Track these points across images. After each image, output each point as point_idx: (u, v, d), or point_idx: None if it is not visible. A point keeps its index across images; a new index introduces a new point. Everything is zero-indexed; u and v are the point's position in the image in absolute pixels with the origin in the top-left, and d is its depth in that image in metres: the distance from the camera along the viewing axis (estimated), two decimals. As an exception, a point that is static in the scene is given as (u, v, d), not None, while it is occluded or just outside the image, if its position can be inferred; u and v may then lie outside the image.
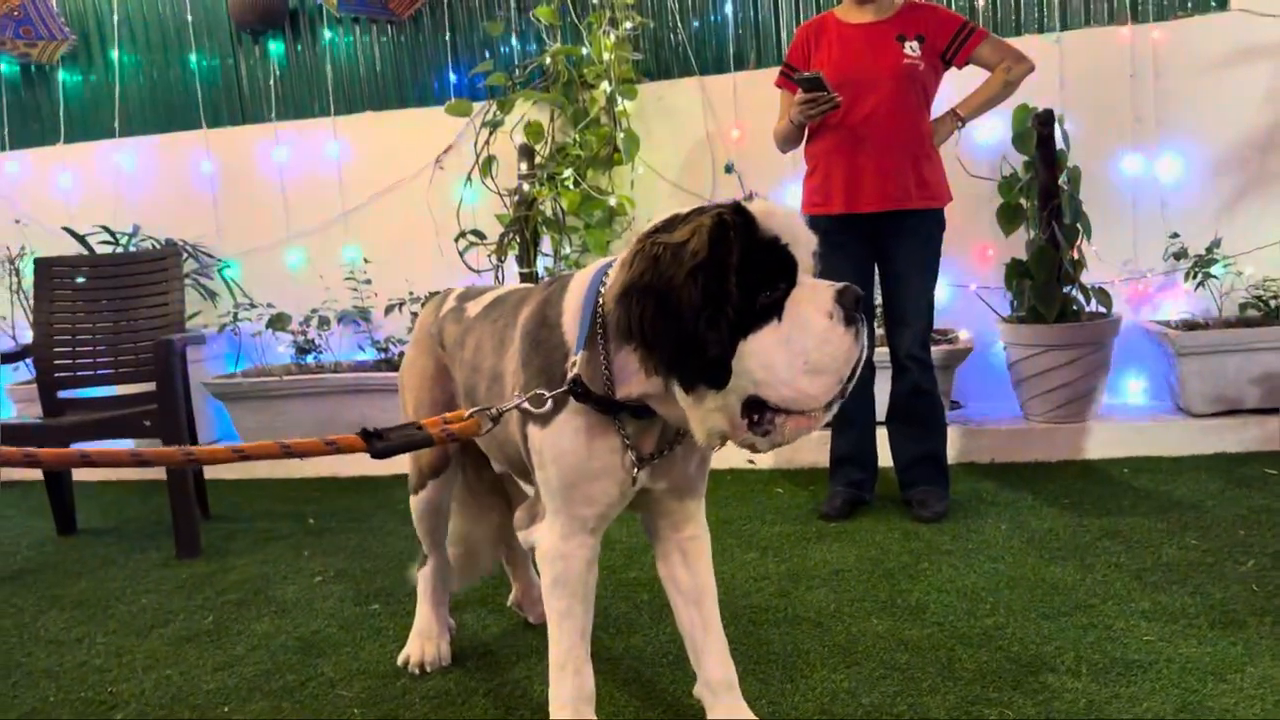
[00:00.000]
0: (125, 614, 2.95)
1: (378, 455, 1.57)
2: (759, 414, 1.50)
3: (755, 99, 4.54)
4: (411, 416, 2.27)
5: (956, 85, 3.50)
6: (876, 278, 3.36)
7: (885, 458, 3.48)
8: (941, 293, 3.99)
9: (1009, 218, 4.24)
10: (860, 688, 2.12)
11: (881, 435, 3.46)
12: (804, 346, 1.45)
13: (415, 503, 2.36)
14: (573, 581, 1.77)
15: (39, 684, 2.47)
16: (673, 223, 1.53)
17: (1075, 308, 3.99)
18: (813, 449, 4.05)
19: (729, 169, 4.61)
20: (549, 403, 1.64)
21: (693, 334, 1.43)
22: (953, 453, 3.82)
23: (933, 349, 3.46)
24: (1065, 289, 3.97)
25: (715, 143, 4.70)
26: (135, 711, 2.28)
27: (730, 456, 4.10)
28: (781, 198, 4.53)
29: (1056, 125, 4.02)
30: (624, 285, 1.51)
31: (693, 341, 1.44)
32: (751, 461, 4.13)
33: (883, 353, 3.44)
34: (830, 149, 3.25)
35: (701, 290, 1.43)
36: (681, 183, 4.73)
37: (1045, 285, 3.97)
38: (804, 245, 1.50)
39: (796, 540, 3.14)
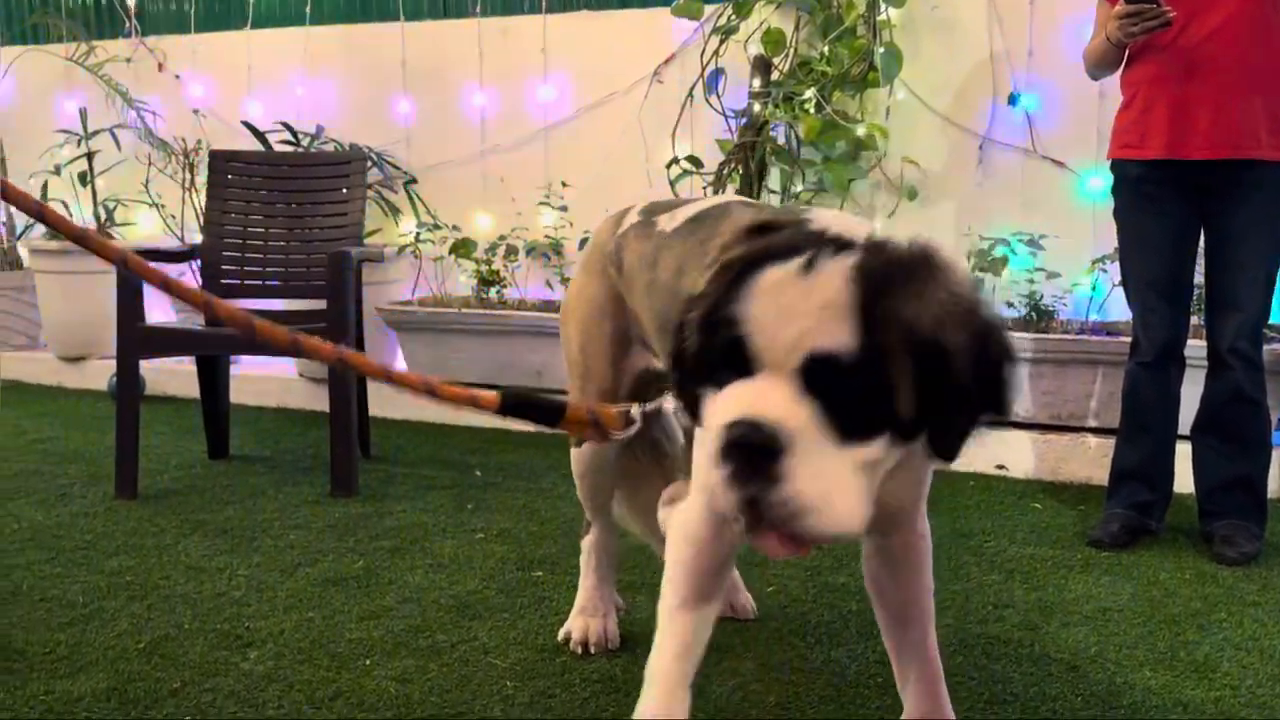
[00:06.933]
0: (271, 548, 3.21)
1: (503, 411, 1.72)
2: None
3: (1060, 11, 4.42)
4: (576, 357, 2.34)
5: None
6: (1200, 247, 3.29)
7: (1184, 480, 3.39)
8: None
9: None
10: (1120, 747, 2.10)
11: (1183, 451, 3.37)
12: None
13: (575, 458, 2.43)
14: (697, 576, 1.75)
15: (175, 609, 2.75)
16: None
17: None
18: (1087, 460, 3.96)
19: (1014, 101, 4.49)
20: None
21: None
22: (1276, 483, 3.64)
23: (1266, 348, 3.35)
24: None
25: (1001, 65, 4.56)
26: (271, 651, 2.49)
27: (974, 459, 4.06)
28: (1084, 140, 4.34)
29: None
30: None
31: None
32: (1002, 467, 4.08)
33: (1197, 345, 3.38)
34: (1154, 77, 3.18)
35: None
36: (952, 115, 4.63)
37: None
38: None
39: (1054, 567, 3.10)
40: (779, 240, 1.44)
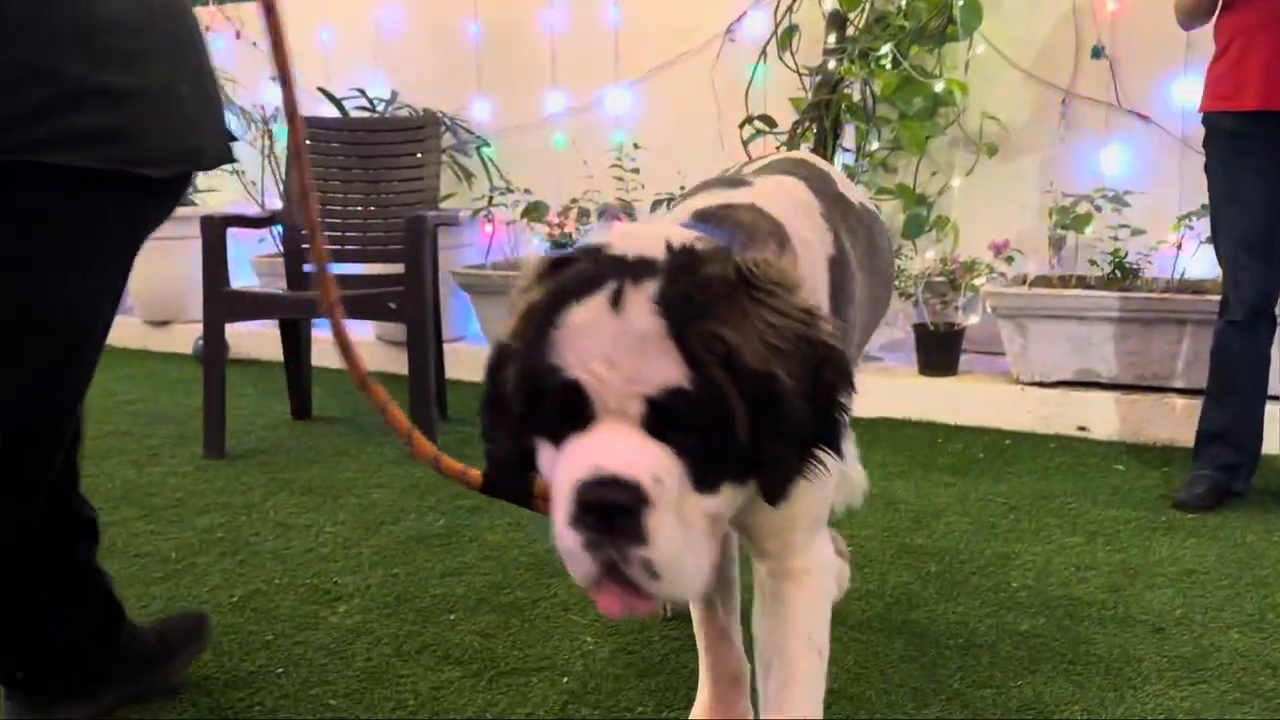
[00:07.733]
0: (355, 506, 3.29)
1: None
2: None
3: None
4: None
5: None
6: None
7: (1272, 442, 3.37)
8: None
9: None
10: (1206, 709, 2.09)
11: (1272, 412, 3.34)
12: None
13: None
14: None
15: (265, 565, 2.85)
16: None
17: None
18: (1171, 421, 3.92)
19: (1097, 53, 4.41)
20: None
21: None
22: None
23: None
24: None
25: (1084, 16, 4.47)
26: (359, 606, 2.57)
27: (1055, 420, 4.06)
28: (1166, 95, 4.24)
29: None
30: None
31: None
32: (1084, 429, 4.03)
33: (1289, 302, 3.34)
34: (1249, 26, 3.10)
35: None
36: (1035, 69, 4.55)
37: None
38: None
39: (1138, 529, 3.08)
40: (574, 275, 1.28)
